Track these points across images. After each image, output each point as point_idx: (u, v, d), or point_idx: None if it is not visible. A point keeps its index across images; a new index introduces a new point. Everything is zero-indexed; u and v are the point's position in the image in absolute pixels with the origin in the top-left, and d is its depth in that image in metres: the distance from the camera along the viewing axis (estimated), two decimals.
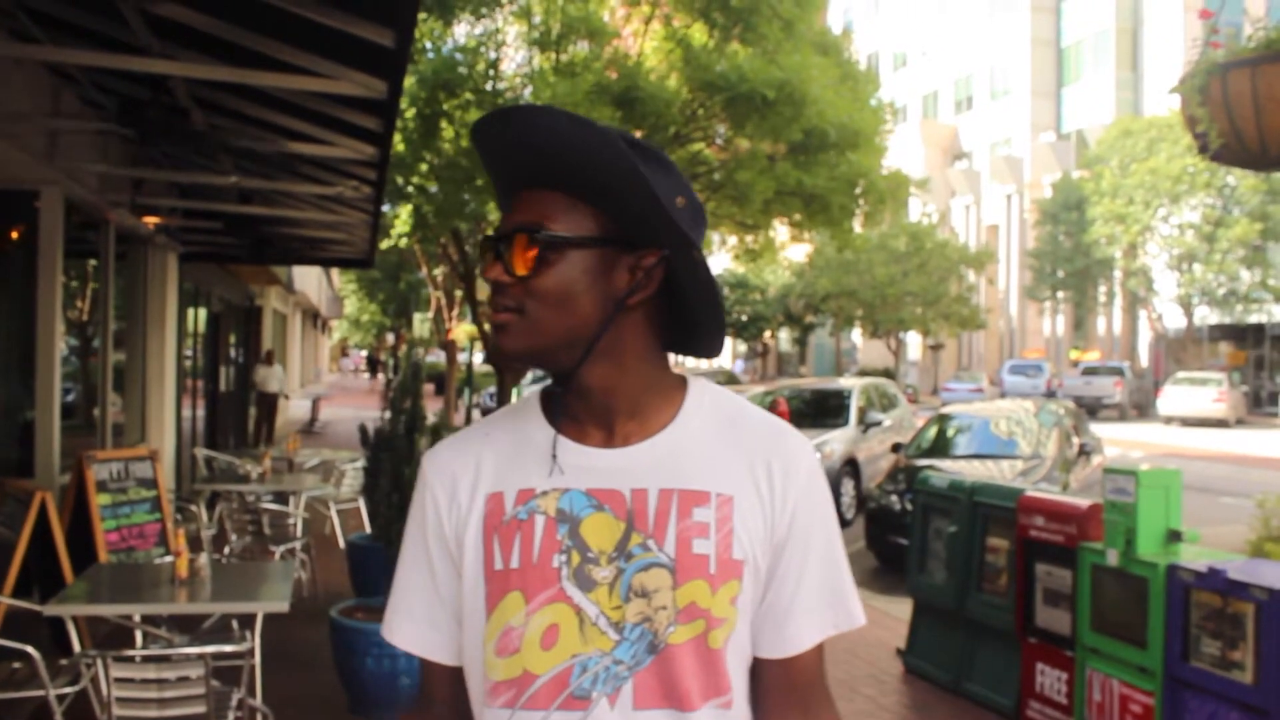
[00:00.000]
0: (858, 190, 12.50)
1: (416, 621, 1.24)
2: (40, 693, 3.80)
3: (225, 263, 11.65)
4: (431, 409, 5.68)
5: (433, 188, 11.79)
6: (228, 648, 3.55)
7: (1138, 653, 4.01)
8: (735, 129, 11.62)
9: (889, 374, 34.57)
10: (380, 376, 43.78)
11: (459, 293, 19.71)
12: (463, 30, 11.91)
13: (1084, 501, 4.60)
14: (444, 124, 11.16)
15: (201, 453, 9.56)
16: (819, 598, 1.20)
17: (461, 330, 22.84)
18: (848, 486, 11.32)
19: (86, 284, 7.45)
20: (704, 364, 32.20)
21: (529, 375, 19.85)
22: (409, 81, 9.88)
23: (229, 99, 5.30)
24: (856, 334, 46.40)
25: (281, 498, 7.54)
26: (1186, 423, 27.29)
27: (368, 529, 6.86)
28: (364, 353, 58.45)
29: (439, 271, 21.50)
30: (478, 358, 21.99)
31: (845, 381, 14.49)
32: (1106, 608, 4.22)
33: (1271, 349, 34.02)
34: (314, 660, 5.31)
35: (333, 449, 12.36)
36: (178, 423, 9.28)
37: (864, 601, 1.26)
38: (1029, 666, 4.74)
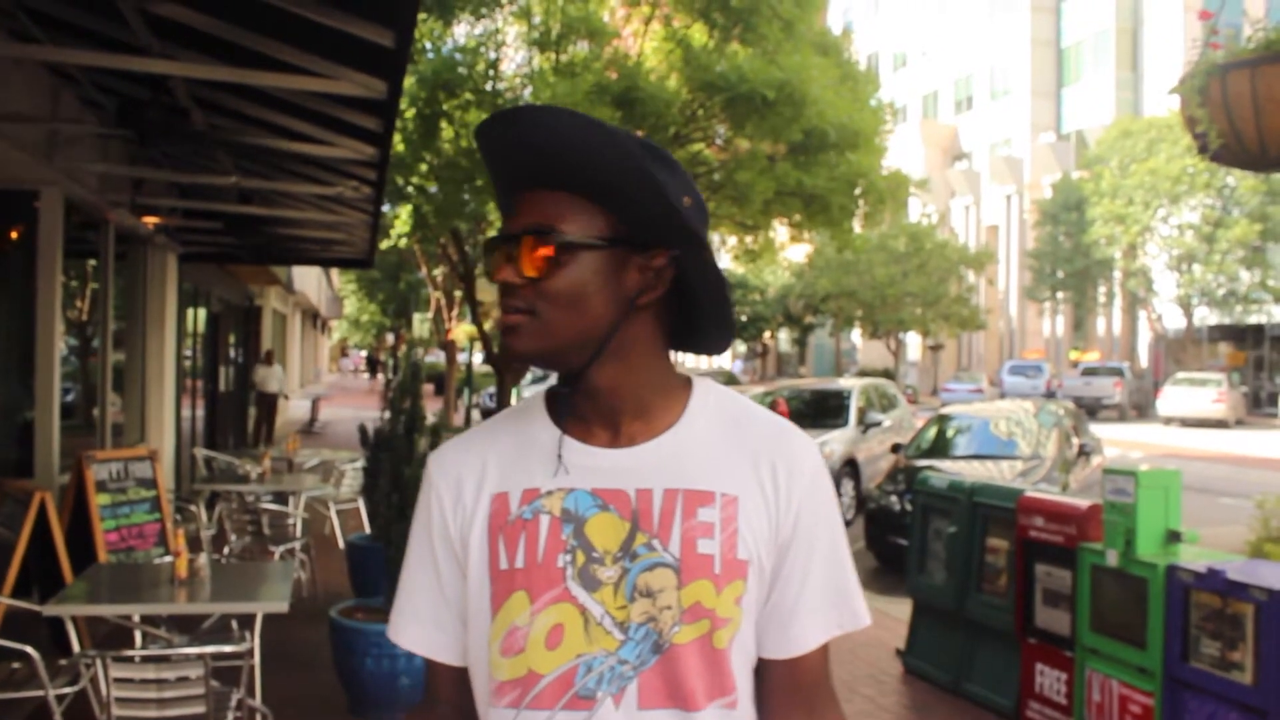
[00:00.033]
0: (857, 190, 12.49)
1: (421, 622, 1.24)
2: (39, 693, 3.80)
3: (225, 263, 11.65)
4: (431, 409, 5.68)
5: (432, 188, 11.79)
6: (227, 648, 3.55)
7: (1137, 653, 4.01)
8: (735, 129, 11.62)
9: (889, 374, 34.58)
10: (380, 377, 43.78)
11: (459, 293, 19.70)
12: (462, 30, 11.91)
13: (1083, 502, 4.60)
14: (444, 124, 11.15)
15: (201, 453, 9.56)
16: (824, 598, 1.20)
17: (461, 330, 22.84)
18: (847, 487, 11.32)
19: (86, 284, 7.45)
20: (703, 364, 32.21)
21: (528, 376, 19.84)
22: (409, 82, 9.88)
23: (229, 99, 5.30)
24: (856, 334, 46.41)
25: (281, 498, 7.54)
26: (1186, 423, 27.29)
27: (367, 529, 6.86)
28: (364, 353, 58.46)
29: (439, 272, 21.49)
30: (477, 358, 22.00)
31: (845, 382, 14.49)
32: (1106, 608, 4.22)
33: (1271, 350, 34.04)
34: (313, 660, 5.31)
35: (332, 449, 12.36)
36: (177, 423, 9.28)
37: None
38: (1028, 667, 4.74)
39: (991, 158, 46.92)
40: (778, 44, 11.08)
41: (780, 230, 15.48)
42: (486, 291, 17.01)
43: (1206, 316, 34.31)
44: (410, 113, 10.66)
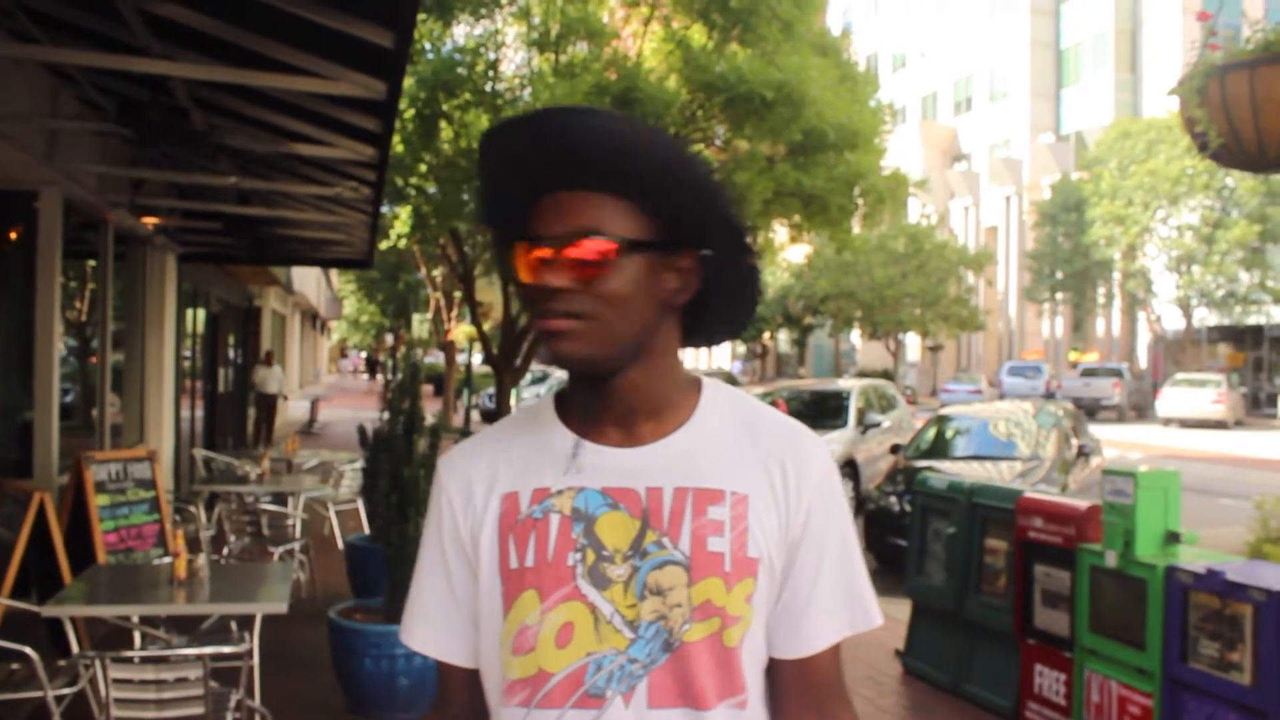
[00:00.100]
0: (856, 191, 12.49)
1: (432, 625, 1.25)
2: (38, 694, 3.80)
3: (224, 263, 11.66)
4: (430, 410, 5.68)
5: (431, 188, 11.78)
6: (226, 649, 3.55)
7: (1136, 654, 4.02)
8: (734, 130, 11.62)
9: (888, 375, 34.59)
10: (379, 377, 43.77)
11: (458, 294, 19.70)
12: (462, 31, 11.91)
13: (1083, 503, 4.60)
14: (443, 125, 11.15)
15: (200, 453, 9.55)
16: (835, 598, 1.20)
17: (460, 331, 22.83)
18: (846, 488, 11.32)
19: (85, 284, 7.45)
20: (701, 365, 32.21)
21: (528, 376, 19.84)
22: (408, 82, 9.87)
23: (228, 99, 5.30)
24: (855, 335, 46.42)
25: (280, 499, 7.53)
26: (1185, 424, 27.30)
27: (366, 530, 6.86)
28: (363, 354, 58.44)
29: (438, 272, 21.49)
30: (476, 359, 21.99)
31: (844, 383, 14.50)
32: (1105, 609, 4.22)
33: (1270, 350, 34.06)
34: (312, 661, 5.30)
35: (331, 450, 12.36)
36: (176, 423, 9.28)
37: None
38: (1028, 668, 4.74)
39: (991, 159, 46.94)
40: (777, 45, 11.08)
41: (779, 231, 15.49)
42: (486, 292, 17.00)
43: (1206, 317, 34.34)
44: (410, 113, 10.66)
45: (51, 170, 5.69)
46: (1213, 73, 4.25)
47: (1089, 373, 31.99)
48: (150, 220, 7.54)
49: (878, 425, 12.51)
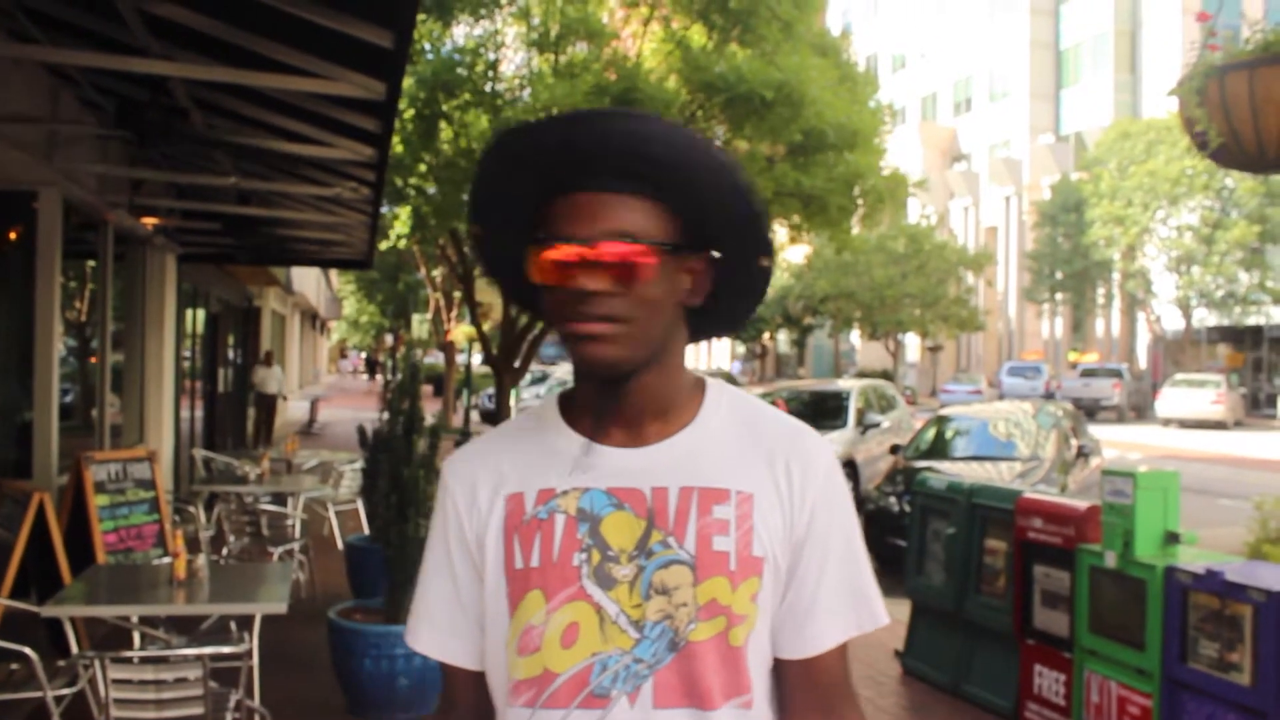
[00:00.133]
0: (856, 191, 12.50)
1: (437, 628, 1.25)
2: (38, 694, 3.80)
3: (224, 263, 11.65)
4: (430, 410, 5.68)
5: (431, 189, 11.78)
6: (226, 649, 3.55)
7: (1136, 654, 4.02)
8: (734, 130, 11.62)
9: (887, 375, 34.57)
10: (379, 378, 43.76)
11: (457, 294, 19.69)
12: (462, 31, 11.91)
13: (1082, 503, 4.60)
14: (443, 125, 11.16)
15: (200, 454, 9.55)
16: (840, 598, 1.20)
17: (460, 331, 22.82)
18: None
19: (85, 285, 7.45)
20: (701, 365, 32.19)
21: (527, 377, 19.83)
22: (407, 83, 9.87)
23: (228, 100, 5.31)
24: (855, 335, 46.41)
25: (280, 499, 7.53)
26: (1185, 425, 27.30)
27: (366, 530, 6.86)
28: (363, 354, 58.41)
29: (437, 273, 21.48)
30: (476, 359, 21.98)
31: (844, 383, 14.50)
32: (1104, 609, 4.22)
33: (1269, 351, 34.07)
34: (312, 661, 5.30)
35: (331, 450, 12.35)
36: (176, 424, 9.27)
37: None
38: (1027, 668, 4.74)
39: (990, 159, 46.94)
40: (776, 45, 11.08)
41: (779, 231, 15.48)
42: (486, 292, 16.97)
43: (1205, 318, 34.34)
44: (409, 114, 10.66)
45: (51, 170, 5.69)
46: (1212, 73, 4.25)
47: (1088, 373, 31.99)
48: (150, 220, 7.55)
49: (877, 425, 12.51)
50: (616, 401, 1.17)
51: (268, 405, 16.28)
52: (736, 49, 11.24)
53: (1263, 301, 31.84)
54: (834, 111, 11.16)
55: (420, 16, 9.96)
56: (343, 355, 68.94)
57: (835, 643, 1.20)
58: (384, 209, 10.75)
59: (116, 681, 3.22)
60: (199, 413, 11.74)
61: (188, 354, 10.89)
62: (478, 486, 1.22)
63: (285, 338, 23.23)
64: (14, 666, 4.13)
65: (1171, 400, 27.66)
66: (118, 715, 3.23)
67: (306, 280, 22.86)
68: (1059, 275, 36.74)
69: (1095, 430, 12.14)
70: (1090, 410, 29.03)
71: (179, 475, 9.31)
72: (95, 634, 5.27)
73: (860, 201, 12.82)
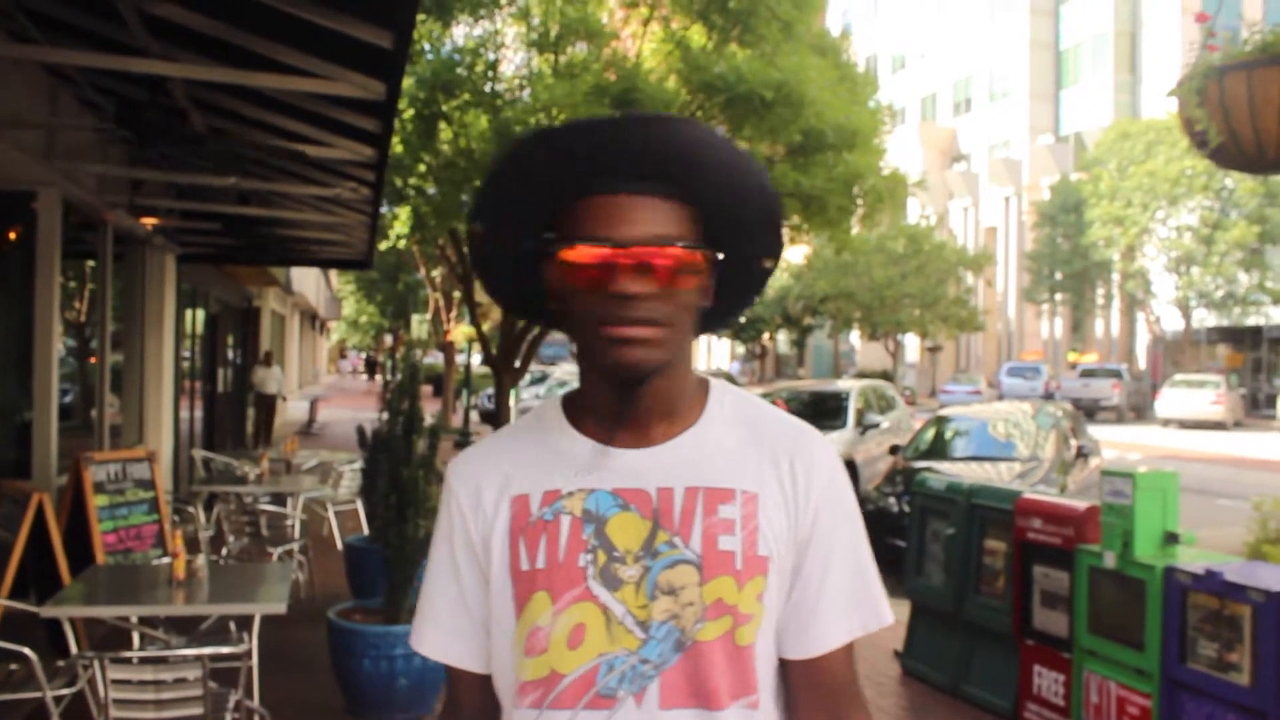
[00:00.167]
0: (855, 191, 12.49)
1: (443, 630, 1.25)
2: (37, 694, 3.79)
3: (223, 264, 11.66)
4: (429, 411, 5.68)
5: (431, 189, 11.78)
6: (225, 649, 3.55)
7: (1135, 655, 4.02)
8: (734, 130, 11.61)
9: (887, 376, 34.58)
10: (378, 378, 43.75)
11: (457, 294, 19.69)
12: (461, 32, 11.90)
13: (1081, 504, 4.60)
14: (442, 125, 11.15)
15: (199, 454, 9.55)
16: (844, 598, 1.20)
17: (459, 332, 22.82)
18: None
19: (84, 285, 7.45)
20: (700, 366, 32.20)
21: (526, 377, 19.82)
22: (407, 83, 9.87)
23: (227, 100, 5.30)
24: (855, 336, 46.41)
25: (279, 499, 7.53)
26: (1184, 425, 27.30)
27: (365, 530, 6.85)
28: (362, 354, 58.39)
29: (437, 273, 21.47)
30: (475, 359, 21.98)
31: (843, 383, 14.49)
32: (1104, 610, 4.22)
33: (1269, 351, 34.08)
34: (311, 662, 5.30)
35: (330, 450, 12.35)
36: (175, 424, 9.27)
37: None
38: (1026, 668, 4.74)
39: (990, 159, 46.95)
40: (776, 45, 11.08)
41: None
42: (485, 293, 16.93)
43: (1205, 318, 34.35)
44: (409, 114, 10.65)
45: (50, 170, 5.68)
46: (1211, 74, 4.25)
47: (1088, 373, 31.99)
48: (149, 220, 7.55)
49: (877, 426, 12.50)
50: (633, 404, 1.16)
51: (267, 405, 16.28)
52: (736, 49, 11.23)
53: (1262, 302, 31.85)
54: (833, 112, 11.16)
55: (420, 17, 9.97)
56: (342, 355, 68.92)
57: (839, 643, 1.20)
58: (383, 209, 10.75)
59: (116, 682, 3.22)
60: (198, 413, 11.74)
61: (187, 354, 10.89)
62: (482, 489, 1.22)
63: (285, 338, 23.23)
64: (13, 667, 4.13)
65: (1171, 401, 27.66)
66: (117, 715, 3.22)
67: (306, 280, 22.86)
68: (1058, 276, 36.75)
69: (1094, 431, 12.15)
70: (1089, 411, 29.04)
71: (178, 475, 9.31)
72: (94, 634, 5.27)
73: (860, 202, 12.81)
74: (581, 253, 1.10)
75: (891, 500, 8.68)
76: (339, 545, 7.81)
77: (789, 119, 10.61)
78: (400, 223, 12.13)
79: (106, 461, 6.03)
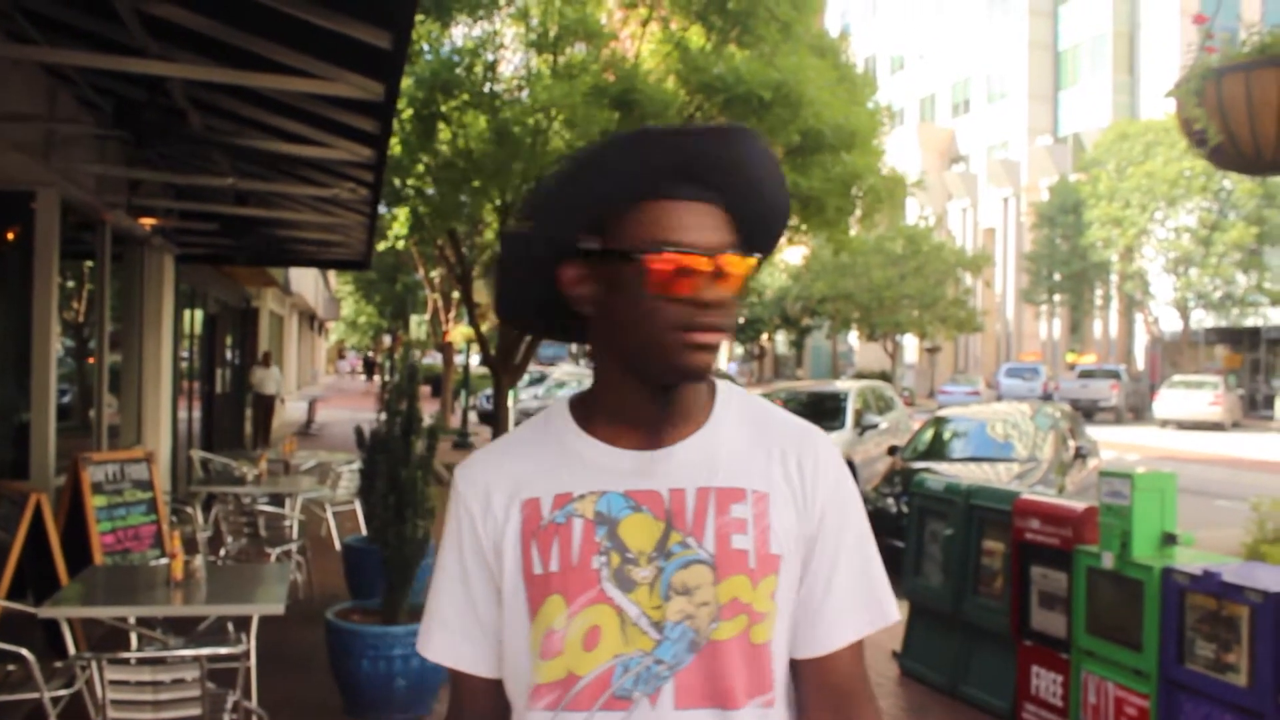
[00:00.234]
0: (854, 192, 12.50)
1: (449, 634, 1.25)
2: (35, 695, 3.79)
3: (221, 264, 11.65)
4: (428, 411, 5.68)
5: (429, 190, 11.79)
6: (223, 650, 3.55)
7: (1133, 655, 4.02)
8: None
9: (885, 377, 34.59)
10: (376, 378, 43.73)
11: (456, 295, 19.68)
12: (460, 32, 11.90)
13: (1079, 504, 4.60)
14: (441, 126, 11.15)
15: (197, 454, 9.55)
16: (851, 597, 1.21)
17: (458, 332, 22.81)
18: None
19: (83, 285, 7.44)
20: None
21: (525, 378, 19.81)
22: (406, 83, 9.87)
23: (226, 100, 5.30)
24: (853, 337, 46.43)
25: (277, 500, 7.53)
26: (1182, 426, 27.32)
27: (364, 531, 6.85)
28: (361, 355, 58.36)
29: (436, 273, 21.46)
30: (474, 360, 21.98)
31: (842, 384, 14.49)
32: (1102, 610, 4.22)
33: (1267, 352, 34.12)
34: (309, 662, 5.30)
35: (329, 451, 12.33)
36: (174, 424, 9.27)
37: None
38: (1024, 669, 4.74)
39: (989, 160, 46.98)
40: (775, 46, 11.09)
41: None
42: (483, 293, 16.96)
43: (1203, 319, 34.38)
44: (408, 114, 10.66)
45: (49, 171, 5.68)
46: (1209, 75, 4.25)
47: (1086, 374, 32.02)
48: (148, 221, 7.54)
49: (875, 427, 12.51)
50: (669, 407, 1.18)
51: (265, 406, 16.27)
52: (735, 50, 11.25)
53: (1260, 303, 31.88)
54: (832, 112, 11.17)
55: (418, 17, 9.97)
56: (340, 356, 68.91)
57: (847, 641, 1.21)
58: (382, 210, 10.75)
59: (114, 683, 3.22)
60: (197, 413, 11.74)
61: (185, 355, 10.88)
62: (492, 493, 1.22)
63: (283, 338, 23.22)
64: (11, 668, 4.12)
65: (1169, 401, 27.68)
66: (115, 716, 3.22)
67: (304, 281, 22.85)
68: (1057, 276, 36.77)
69: (1093, 431, 12.16)
70: (1088, 411, 29.06)
71: (176, 476, 9.31)
72: (92, 635, 5.26)
73: (858, 202, 12.83)
74: (669, 259, 1.10)
75: (890, 501, 8.68)
76: (337, 546, 7.81)
77: (787, 119, 10.62)
78: (399, 223, 12.13)
79: (104, 462, 6.03)
